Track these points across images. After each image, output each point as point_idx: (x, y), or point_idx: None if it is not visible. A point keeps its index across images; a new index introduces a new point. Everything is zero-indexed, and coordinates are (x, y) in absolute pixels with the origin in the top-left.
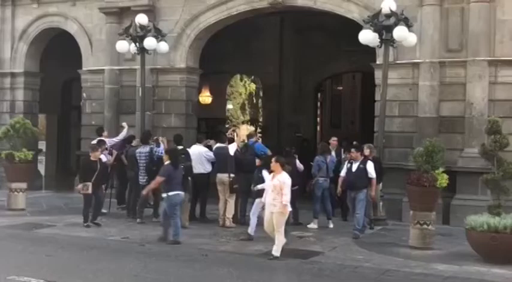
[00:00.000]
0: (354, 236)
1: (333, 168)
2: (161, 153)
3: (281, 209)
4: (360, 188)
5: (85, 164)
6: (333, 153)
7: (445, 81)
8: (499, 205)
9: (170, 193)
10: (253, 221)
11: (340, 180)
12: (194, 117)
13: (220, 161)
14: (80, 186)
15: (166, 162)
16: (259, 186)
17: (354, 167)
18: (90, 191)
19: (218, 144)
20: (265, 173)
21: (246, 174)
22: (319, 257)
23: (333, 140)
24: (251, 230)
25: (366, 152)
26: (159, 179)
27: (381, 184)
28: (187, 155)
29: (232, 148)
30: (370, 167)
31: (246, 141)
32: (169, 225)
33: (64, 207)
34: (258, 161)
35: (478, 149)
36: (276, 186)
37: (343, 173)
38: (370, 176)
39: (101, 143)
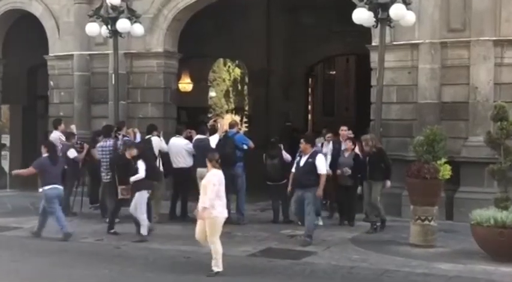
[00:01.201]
0: (303, 243)
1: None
2: None
3: (215, 214)
4: (307, 186)
5: (120, 164)
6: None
7: (447, 63)
8: (506, 198)
9: (46, 187)
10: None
11: (290, 177)
12: (173, 107)
13: (200, 154)
14: (120, 189)
15: (44, 155)
16: (133, 178)
17: (302, 161)
18: (129, 195)
19: (198, 136)
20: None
21: (225, 169)
22: (312, 257)
23: (343, 130)
24: (143, 229)
25: (363, 144)
26: (30, 169)
27: (388, 182)
28: (150, 146)
29: (213, 140)
30: (320, 161)
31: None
32: (44, 221)
33: (31, 208)
34: None
35: (483, 137)
36: (204, 187)
37: (293, 168)
38: (319, 171)
39: (71, 135)
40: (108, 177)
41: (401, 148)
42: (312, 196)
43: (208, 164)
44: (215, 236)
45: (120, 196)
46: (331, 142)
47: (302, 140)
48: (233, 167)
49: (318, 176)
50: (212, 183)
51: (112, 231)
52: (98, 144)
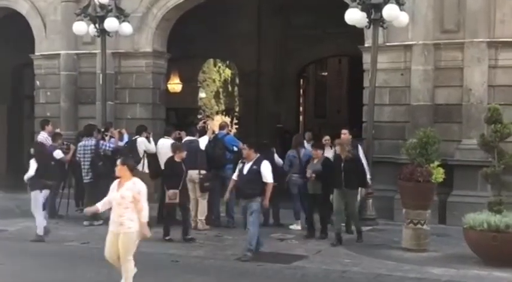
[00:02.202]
0: (243, 258)
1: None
2: (109, 147)
3: (134, 228)
4: (252, 196)
5: (168, 167)
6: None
7: (441, 65)
8: (500, 202)
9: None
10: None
11: (230, 184)
12: (162, 107)
13: (190, 156)
14: (169, 193)
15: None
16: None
17: (246, 168)
18: (178, 199)
19: (188, 137)
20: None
21: (215, 171)
22: (303, 261)
23: (344, 134)
24: (39, 230)
25: (336, 149)
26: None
27: (364, 190)
28: (133, 145)
29: (203, 141)
30: (266, 168)
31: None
32: None
33: (16, 210)
34: None
35: (477, 140)
36: (125, 198)
37: (235, 175)
38: (264, 180)
39: (58, 136)
40: (89, 177)
41: (393, 151)
42: (257, 206)
43: (125, 171)
44: (130, 253)
45: (167, 200)
46: (333, 148)
47: (245, 145)
48: (223, 168)
49: (264, 184)
50: (144, 193)
51: (167, 238)
52: (79, 144)
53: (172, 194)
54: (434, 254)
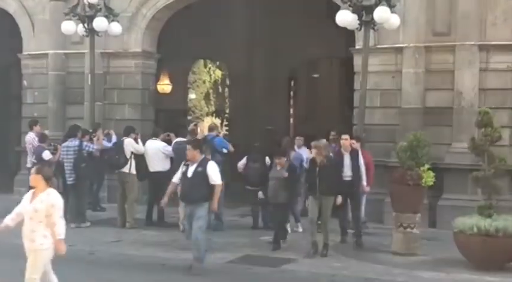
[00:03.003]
0: (192, 271)
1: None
2: (92, 148)
3: (47, 245)
4: (197, 201)
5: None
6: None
7: (431, 68)
8: (490, 205)
9: None
10: None
11: (169, 188)
12: (151, 108)
13: (180, 158)
14: None
15: None
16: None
17: (190, 171)
18: None
19: (178, 139)
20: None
21: None
22: (292, 264)
23: (344, 139)
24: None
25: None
26: None
27: (340, 198)
28: (120, 146)
29: None
30: (212, 169)
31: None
32: None
33: (2, 211)
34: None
35: (468, 144)
36: (38, 212)
37: (175, 178)
38: (212, 182)
39: (44, 137)
40: (72, 178)
41: (384, 154)
42: (203, 212)
43: (40, 181)
44: (37, 272)
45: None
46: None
47: (188, 146)
48: None
49: (211, 187)
50: (59, 207)
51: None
52: (63, 144)
53: None
54: (424, 258)
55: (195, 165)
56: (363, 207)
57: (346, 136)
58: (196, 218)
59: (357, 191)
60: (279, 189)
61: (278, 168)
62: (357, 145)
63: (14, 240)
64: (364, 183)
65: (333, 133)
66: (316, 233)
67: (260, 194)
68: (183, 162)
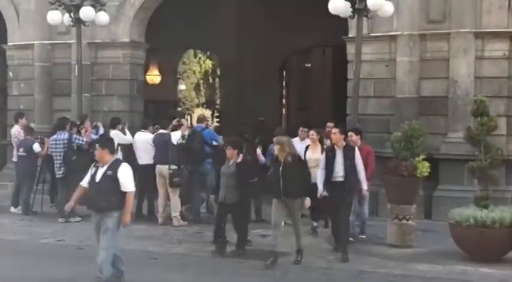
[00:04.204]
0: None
1: None
2: (82, 141)
3: None
4: (104, 210)
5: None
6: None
7: (426, 56)
8: (486, 196)
9: None
10: None
11: (76, 192)
12: (140, 100)
13: (160, 150)
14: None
15: None
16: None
17: (99, 174)
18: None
19: (160, 131)
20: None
21: (193, 166)
22: (285, 258)
23: (334, 133)
24: None
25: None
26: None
27: (308, 200)
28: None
29: (175, 136)
30: (124, 173)
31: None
32: None
33: None
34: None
35: (463, 133)
36: None
37: (84, 181)
38: (123, 188)
39: (30, 130)
40: (61, 172)
41: (378, 144)
42: (113, 223)
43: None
44: None
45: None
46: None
47: (97, 145)
48: (202, 163)
49: (123, 194)
50: None
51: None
52: (52, 137)
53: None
54: (419, 250)
55: (104, 168)
56: (366, 211)
57: (336, 129)
58: (103, 230)
59: (350, 195)
60: (229, 187)
61: (230, 162)
62: (356, 139)
63: (8, 236)
64: (364, 187)
65: (329, 124)
66: (277, 241)
67: (212, 198)
68: (93, 164)
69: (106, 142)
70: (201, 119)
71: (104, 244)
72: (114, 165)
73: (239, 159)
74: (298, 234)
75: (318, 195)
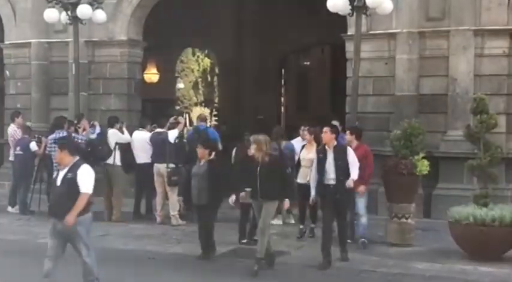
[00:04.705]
0: None
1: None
2: (81, 139)
3: None
4: (65, 215)
5: (241, 162)
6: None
7: (426, 54)
8: (486, 194)
9: None
10: None
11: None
12: (138, 98)
13: (157, 149)
14: (242, 194)
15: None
16: None
17: (59, 177)
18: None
19: (157, 129)
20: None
21: (192, 165)
22: (285, 257)
23: (325, 131)
24: None
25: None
26: None
27: (287, 202)
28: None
29: (172, 134)
30: (84, 175)
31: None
32: None
33: None
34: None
35: (463, 131)
36: None
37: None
38: (82, 190)
39: (27, 129)
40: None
41: (377, 142)
42: (80, 231)
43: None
44: None
45: (241, 200)
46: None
47: (57, 146)
48: None
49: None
50: None
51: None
52: (50, 136)
53: (246, 194)
54: (419, 248)
55: (65, 170)
56: (363, 219)
57: (327, 128)
58: (74, 239)
59: (343, 199)
60: (201, 188)
61: (201, 162)
62: (351, 138)
63: (6, 236)
64: (353, 177)
65: (334, 122)
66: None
67: (179, 199)
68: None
69: (65, 143)
70: (204, 118)
71: (85, 252)
72: (75, 168)
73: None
74: (263, 241)
75: (310, 201)
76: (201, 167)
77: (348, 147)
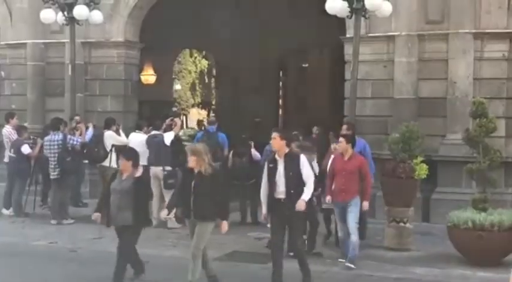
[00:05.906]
0: None
1: None
2: (77, 141)
3: None
4: None
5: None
6: None
7: (425, 57)
8: (485, 199)
9: None
10: None
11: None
12: (135, 100)
13: (153, 152)
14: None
15: None
16: None
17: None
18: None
19: (153, 132)
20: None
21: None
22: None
23: (273, 137)
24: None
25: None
26: None
27: (225, 223)
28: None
29: (168, 137)
30: None
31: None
32: None
33: None
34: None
35: (462, 135)
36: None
37: None
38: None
39: (24, 130)
40: (56, 173)
41: (376, 146)
42: None
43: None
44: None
45: (324, 206)
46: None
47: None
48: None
49: None
50: None
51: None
52: (46, 138)
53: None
54: (417, 253)
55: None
56: (353, 238)
57: (276, 133)
58: None
59: (295, 215)
60: (122, 208)
61: (123, 177)
62: (345, 147)
63: (0, 238)
64: (304, 197)
65: (316, 128)
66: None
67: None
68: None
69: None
70: (213, 121)
71: None
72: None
73: (137, 174)
74: (194, 269)
75: (262, 217)
76: (122, 182)
77: (302, 156)
